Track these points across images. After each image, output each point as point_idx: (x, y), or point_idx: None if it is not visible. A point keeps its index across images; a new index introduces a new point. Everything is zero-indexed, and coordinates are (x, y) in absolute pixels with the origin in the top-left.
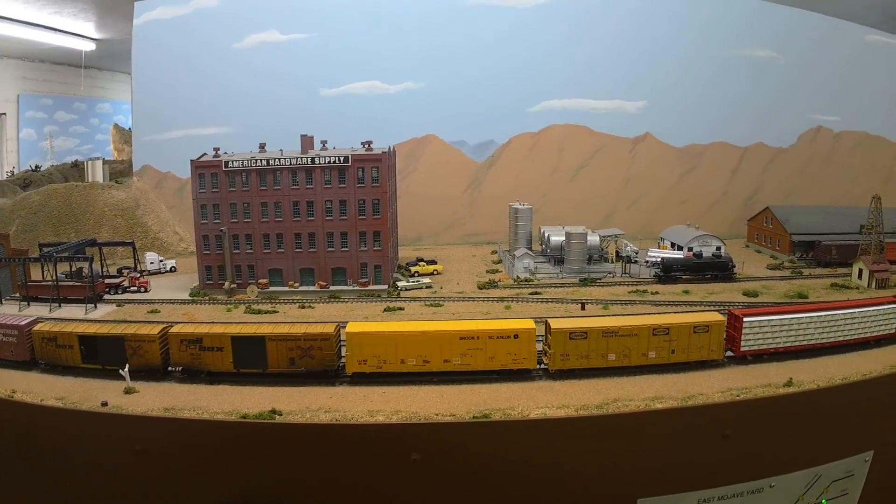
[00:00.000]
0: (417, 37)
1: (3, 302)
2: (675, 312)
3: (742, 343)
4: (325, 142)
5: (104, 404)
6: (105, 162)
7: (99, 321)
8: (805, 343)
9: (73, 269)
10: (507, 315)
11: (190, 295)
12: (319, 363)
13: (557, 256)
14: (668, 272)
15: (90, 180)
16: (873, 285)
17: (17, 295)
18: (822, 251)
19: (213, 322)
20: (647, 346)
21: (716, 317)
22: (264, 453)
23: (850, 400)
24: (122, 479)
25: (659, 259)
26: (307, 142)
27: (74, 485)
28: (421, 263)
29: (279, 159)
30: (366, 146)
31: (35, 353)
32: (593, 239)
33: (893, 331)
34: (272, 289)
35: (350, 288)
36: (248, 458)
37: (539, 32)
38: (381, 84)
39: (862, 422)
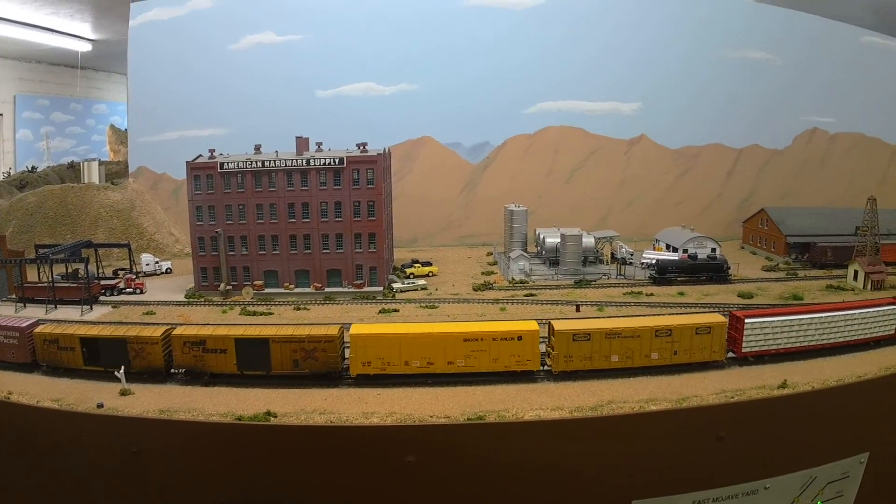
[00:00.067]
0: (413, 38)
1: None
2: (670, 314)
3: (743, 344)
4: (321, 143)
5: (100, 406)
6: (101, 163)
7: (100, 323)
8: (806, 344)
9: (69, 270)
10: (503, 317)
11: (185, 296)
12: (323, 365)
13: (552, 258)
14: (662, 274)
15: (86, 181)
16: (869, 287)
17: (14, 296)
18: (818, 253)
19: (215, 324)
20: (650, 348)
21: (718, 318)
22: (259, 455)
23: (846, 401)
24: (119, 481)
25: (654, 261)
26: (302, 143)
27: (73, 486)
28: (416, 265)
29: (274, 161)
30: (361, 148)
31: (36, 355)
32: (588, 241)
33: (893, 332)
34: (267, 290)
35: (345, 290)
36: (243, 460)
37: (534, 34)
38: (377, 85)
39: (857, 423)
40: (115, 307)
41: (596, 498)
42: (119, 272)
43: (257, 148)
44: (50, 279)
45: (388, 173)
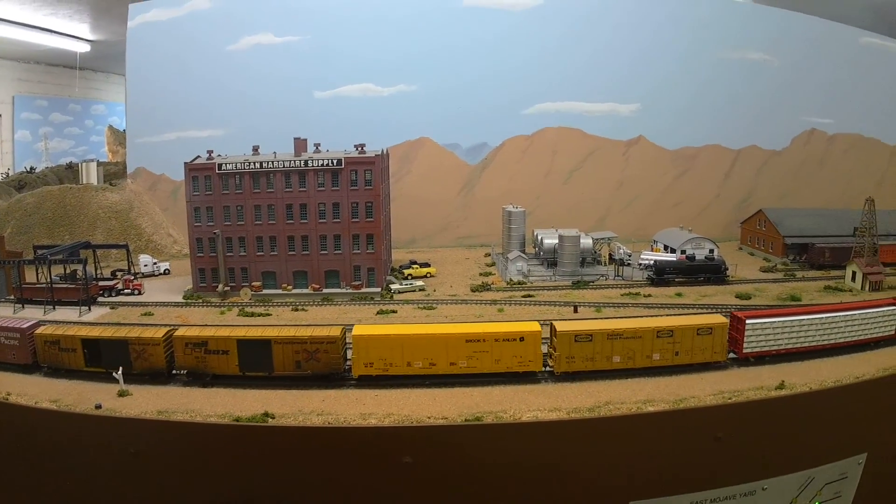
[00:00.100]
0: (411, 39)
1: None
2: (667, 315)
3: (744, 345)
4: (319, 144)
5: (98, 407)
6: (99, 164)
7: (102, 324)
8: (807, 345)
9: (68, 271)
10: (501, 318)
11: (184, 297)
12: (326, 366)
13: (550, 259)
14: (660, 275)
15: (84, 182)
16: (867, 288)
17: (12, 297)
18: (816, 254)
19: (217, 325)
20: (652, 349)
21: (719, 319)
22: (257, 456)
23: (844, 402)
24: (117, 482)
25: (652, 262)
26: (300, 144)
27: (72, 486)
28: (414, 266)
29: (272, 162)
30: (359, 149)
31: (37, 356)
32: (586, 242)
33: (893, 332)
34: (265, 291)
35: (343, 291)
36: (241, 461)
37: (532, 35)
38: (375, 86)
39: (855, 424)
40: (113, 308)
41: (594, 499)
42: (117, 273)
43: (255, 149)
44: (48, 280)
45: (386, 174)
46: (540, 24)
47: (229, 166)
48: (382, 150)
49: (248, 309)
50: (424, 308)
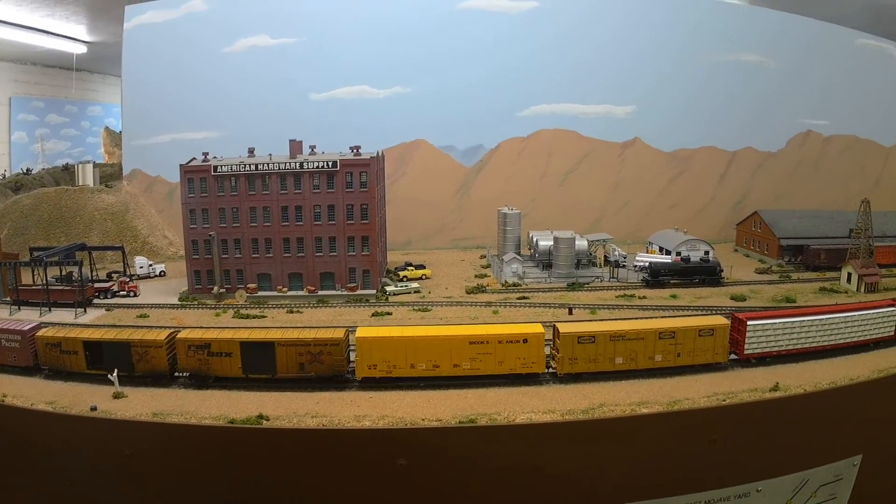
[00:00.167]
0: (407, 42)
1: None
2: (662, 317)
3: (745, 346)
4: (314, 146)
5: (93, 409)
6: (95, 165)
7: (104, 326)
8: (807, 346)
9: (63, 273)
10: (495, 320)
11: (179, 299)
12: (329, 368)
13: (545, 261)
14: (655, 276)
15: (80, 184)
16: (862, 289)
17: (8, 299)
18: (811, 255)
19: (220, 328)
20: (654, 350)
21: (720, 320)
22: (251, 458)
23: (839, 404)
24: (112, 483)
25: (647, 263)
26: (296, 146)
27: (66, 488)
28: (409, 268)
29: (268, 164)
30: (354, 151)
31: (38, 358)
32: (581, 243)
33: (893, 333)
34: (261, 293)
35: (338, 292)
36: (236, 463)
37: (528, 37)
38: (371, 88)
39: (851, 426)
40: (108, 310)
41: (587, 500)
42: (113, 275)
43: (251, 151)
44: (44, 282)
45: (381, 176)
46: (535, 26)
47: (224, 168)
48: (378, 153)
49: (243, 311)
50: (419, 310)
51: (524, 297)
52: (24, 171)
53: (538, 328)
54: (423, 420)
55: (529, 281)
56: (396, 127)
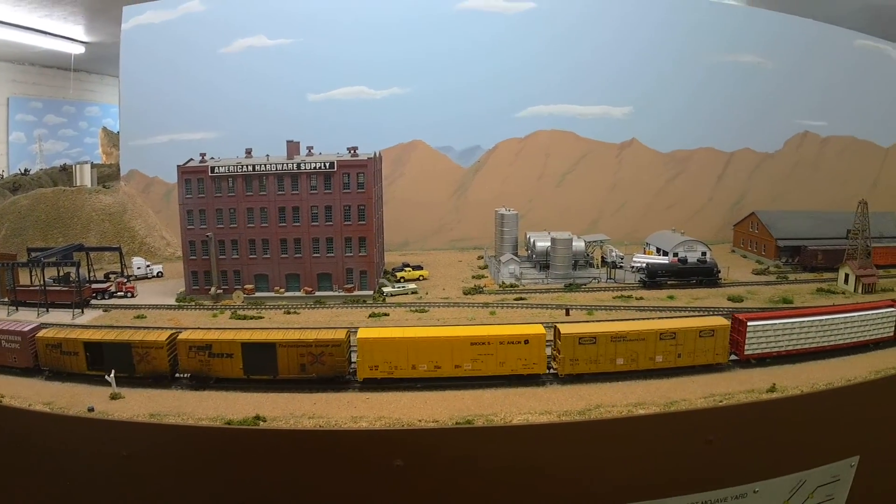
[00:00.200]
0: (404, 42)
1: None
2: (659, 318)
3: (746, 347)
4: (311, 147)
5: (90, 409)
6: (93, 166)
7: (104, 327)
8: (807, 347)
9: (61, 273)
10: (493, 320)
11: (176, 300)
12: (330, 369)
13: (543, 262)
14: (653, 277)
15: (78, 184)
16: (860, 290)
17: (6, 300)
18: (808, 256)
19: (221, 328)
20: (654, 351)
21: (721, 321)
22: (248, 459)
23: (837, 404)
24: (110, 485)
25: (644, 264)
26: (293, 147)
27: (62, 489)
28: (407, 269)
29: (265, 165)
30: (352, 152)
31: (39, 359)
32: (579, 244)
33: (892, 334)
34: (258, 294)
35: (336, 293)
36: (232, 464)
37: (526, 38)
38: (368, 89)
39: (849, 426)
40: (106, 311)
41: (584, 501)
42: (110, 276)
43: (248, 152)
44: (42, 282)
45: (378, 177)
46: (533, 27)
47: (222, 169)
48: (375, 153)
49: (240, 312)
50: (417, 311)
51: (521, 298)
52: (22, 171)
53: (539, 329)
54: (420, 421)
55: (527, 282)
56: (394, 128)
